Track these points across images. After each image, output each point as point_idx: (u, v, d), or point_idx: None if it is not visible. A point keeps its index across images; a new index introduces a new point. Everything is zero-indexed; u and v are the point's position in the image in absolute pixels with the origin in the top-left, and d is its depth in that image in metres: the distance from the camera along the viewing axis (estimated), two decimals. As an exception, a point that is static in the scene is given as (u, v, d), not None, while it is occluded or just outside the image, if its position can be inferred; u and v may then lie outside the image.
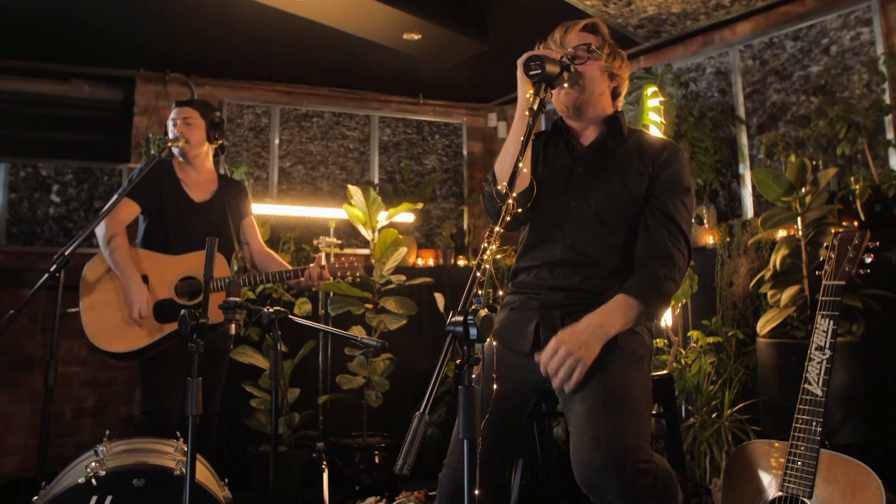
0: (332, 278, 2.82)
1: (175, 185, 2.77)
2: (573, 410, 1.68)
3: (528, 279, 1.88)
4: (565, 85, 1.73)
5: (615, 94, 1.92)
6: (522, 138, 1.51)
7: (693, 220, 3.36)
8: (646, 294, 1.70)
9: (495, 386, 1.71)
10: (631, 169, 1.83)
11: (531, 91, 1.63)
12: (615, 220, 1.82)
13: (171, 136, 2.76)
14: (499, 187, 1.69)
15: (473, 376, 1.15)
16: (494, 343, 1.82)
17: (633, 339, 1.76)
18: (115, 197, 2.56)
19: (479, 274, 1.22)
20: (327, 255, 2.85)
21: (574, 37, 1.84)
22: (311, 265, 2.78)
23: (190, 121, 2.77)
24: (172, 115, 2.79)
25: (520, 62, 1.67)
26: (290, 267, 2.83)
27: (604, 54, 1.83)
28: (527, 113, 1.59)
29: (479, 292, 1.21)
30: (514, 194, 1.42)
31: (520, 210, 1.66)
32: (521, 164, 1.43)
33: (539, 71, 1.62)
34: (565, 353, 1.60)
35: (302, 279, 2.76)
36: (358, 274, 2.86)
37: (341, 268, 2.85)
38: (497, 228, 1.31)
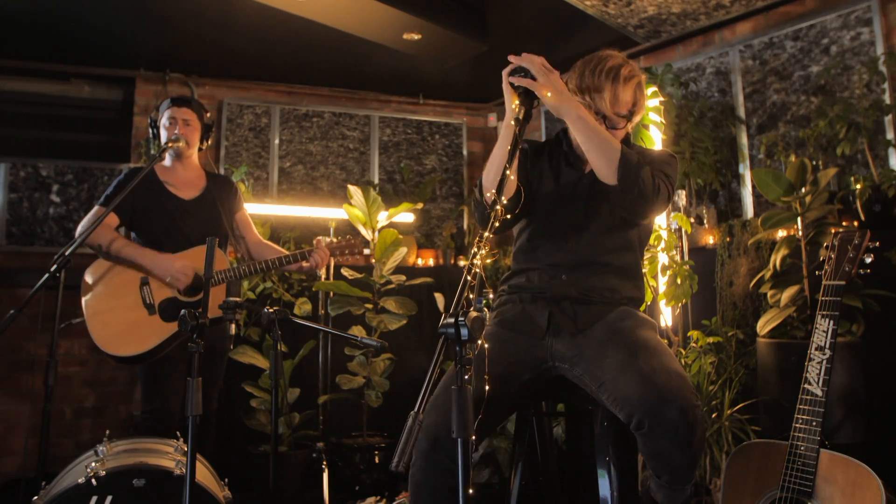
0: (331, 256, 2.84)
1: (159, 189, 2.75)
2: (606, 362, 1.72)
3: (530, 282, 1.93)
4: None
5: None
6: (510, 148, 1.50)
7: (693, 220, 3.37)
8: (629, 155, 1.72)
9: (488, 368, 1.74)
10: None
11: (517, 101, 1.62)
12: (621, 222, 1.89)
13: (167, 135, 2.75)
14: (487, 195, 1.76)
15: (466, 377, 1.16)
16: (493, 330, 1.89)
17: (638, 317, 1.86)
18: (100, 211, 2.55)
19: (469, 277, 1.25)
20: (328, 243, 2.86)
21: (627, 94, 1.86)
22: (314, 248, 2.78)
23: (190, 122, 2.78)
24: (169, 112, 2.76)
25: (504, 73, 1.65)
26: (288, 253, 2.80)
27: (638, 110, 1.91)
28: (512, 123, 1.59)
29: (471, 296, 1.24)
30: (505, 201, 1.44)
31: (508, 216, 1.75)
32: (508, 172, 1.44)
33: (523, 78, 1.61)
34: (541, 62, 1.63)
35: (305, 264, 2.76)
36: (357, 252, 2.87)
37: (339, 246, 2.86)
38: (486, 234, 1.34)
